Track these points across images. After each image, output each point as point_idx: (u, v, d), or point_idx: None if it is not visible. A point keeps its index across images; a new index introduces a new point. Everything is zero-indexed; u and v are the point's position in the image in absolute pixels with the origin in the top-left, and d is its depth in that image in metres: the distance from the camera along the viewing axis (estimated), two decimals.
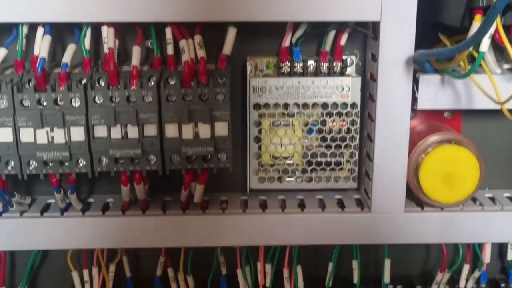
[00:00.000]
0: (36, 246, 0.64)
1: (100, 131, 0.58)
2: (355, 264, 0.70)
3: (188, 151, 0.58)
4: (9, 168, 0.59)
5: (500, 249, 0.74)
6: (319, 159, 0.66)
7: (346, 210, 0.66)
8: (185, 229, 0.64)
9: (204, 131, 0.58)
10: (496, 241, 0.66)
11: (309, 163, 0.66)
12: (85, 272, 0.69)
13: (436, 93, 0.61)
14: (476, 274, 0.70)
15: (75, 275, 0.69)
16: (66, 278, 0.70)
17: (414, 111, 0.68)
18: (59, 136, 0.57)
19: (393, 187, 0.64)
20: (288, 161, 0.66)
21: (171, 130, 0.58)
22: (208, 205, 0.66)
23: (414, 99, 0.62)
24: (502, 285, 0.72)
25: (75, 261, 0.69)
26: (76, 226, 0.63)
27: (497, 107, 0.58)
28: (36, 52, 0.58)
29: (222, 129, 0.59)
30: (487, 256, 0.69)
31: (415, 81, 0.61)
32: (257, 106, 0.64)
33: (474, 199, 0.68)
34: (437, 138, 0.63)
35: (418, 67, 0.62)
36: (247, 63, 0.64)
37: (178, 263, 0.69)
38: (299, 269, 0.69)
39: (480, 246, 0.69)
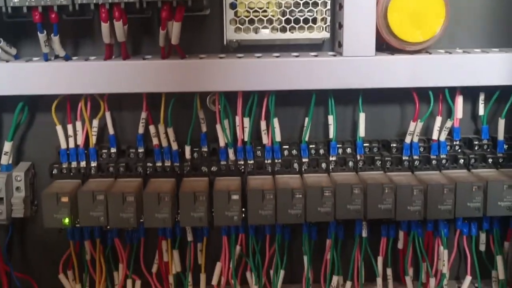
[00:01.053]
0: (20, 91, 0.67)
1: None
2: (331, 119, 0.72)
3: None
4: None
5: (473, 111, 0.76)
6: (293, 8, 0.68)
7: (320, 56, 0.69)
8: (165, 75, 0.67)
9: None
10: (464, 84, 0.68)
11: (283, 13, 0.68)
12: (69, 127, 0.71)
13: None
14: (448, 124, 0.71)
15: (59, 129, 0.71)
16: (51, 135, 0.72)
17: None
18: None
19: (363, 32, 0.67)
20: (263, 13, 0.69)
21: None
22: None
23: None
24: (476, 142, 0.73)
25: (60, 116, 0.71)
26: (60, 72, 0.66)
27: None
28: None
29: None
30: (459, 106, 0.71)
31: None
32: None
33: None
34: None
35: None
36: None
37: (159, 118, 0.71)
38: (276, 122, 0.71)
39: (452, 96, 0.71)
